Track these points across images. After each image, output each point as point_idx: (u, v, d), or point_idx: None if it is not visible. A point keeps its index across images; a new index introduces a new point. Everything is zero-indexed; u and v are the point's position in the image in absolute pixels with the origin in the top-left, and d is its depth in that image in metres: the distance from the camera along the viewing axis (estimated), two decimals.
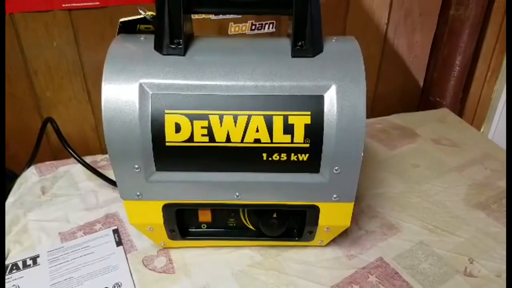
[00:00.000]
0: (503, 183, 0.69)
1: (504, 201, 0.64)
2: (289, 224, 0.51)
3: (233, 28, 0.75)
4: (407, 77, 0.99)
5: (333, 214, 0.48)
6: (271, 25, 0.77)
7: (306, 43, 0.43)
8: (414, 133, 0.84)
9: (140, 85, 0.42)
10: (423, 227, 0.59)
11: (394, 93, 0.99)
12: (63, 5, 0.65)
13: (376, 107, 0.95)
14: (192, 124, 0.42)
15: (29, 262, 0.52)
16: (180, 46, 0.43)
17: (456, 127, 0.87)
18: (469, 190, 0.67)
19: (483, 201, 0.65)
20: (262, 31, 0.77)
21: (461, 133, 0.84)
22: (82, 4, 0.66)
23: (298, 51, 0.44)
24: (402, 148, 0.79)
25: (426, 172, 0.71)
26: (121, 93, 0.42)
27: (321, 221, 0.49)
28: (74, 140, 0.75)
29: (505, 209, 0.63)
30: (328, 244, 0.55)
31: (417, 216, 0.61)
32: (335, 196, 0.46)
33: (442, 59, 0.95)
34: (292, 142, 0.43)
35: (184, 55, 0.44)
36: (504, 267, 0.52)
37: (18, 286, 0.49)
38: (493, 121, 1.06)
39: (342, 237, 0.55)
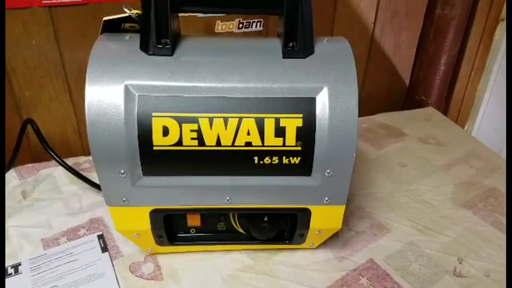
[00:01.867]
0: (488, 182, 0.69)
1: (490, 199, 0.65)
2: (280, 228, 0.51)
3: (220, 27, 0.73)
4: (393, 76, 0.99)
5: (325, 217, 0.48)
6: (258, 24, 0.76)
7: (297, 44, 0.42)
8: (400, 132, 0.84)
9: (126, 87, 0.40)
10: (412, 227, 0.59)
11: (380, 92, 1.00)
12: (43, 2, 0.63)
13: (362, 106, 0.94)
14: (180, 127, 0.41)
15: (10, 270, 0.50)
16: (168, 46, 0.42)
17: (441, 126, 0.87)
18: (456, 189, 0.67)
19: (470, 200, 0.65)
20: (249, 29, 0.75)
21: (447, 132, 0.84)
22: (63, 0, 0.64)
23: (289, 52, 0.43)
24: (389, 147, 0.79)
25: (414, 172, 0.72)
26: (106, 95, 0.40)
27: (313, 224, 0.48)
28: (55, 141, 0.72)
29: (490, 207, 0.63)
30: (318, 247, 0.54)
31: (406, 216, 0.61)
32: (326, 199, 0.46)
33: (428, 58, 0.96)
34: (283, 145, 0.42)
35: (171, 55, 0.42)
36: (492, 266, 0.53)
37: None
38: (476, 120, 1.08)
39: (332, 239, 0.55)
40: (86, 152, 0.75)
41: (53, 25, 0.66)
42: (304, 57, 0.43)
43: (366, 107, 0.94)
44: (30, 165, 0.68)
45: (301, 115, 0.41)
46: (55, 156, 0.61)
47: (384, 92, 1.00)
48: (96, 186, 0.61)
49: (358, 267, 0.52)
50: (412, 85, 1.02)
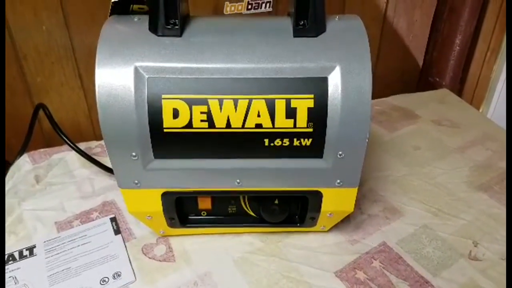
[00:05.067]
0: (504, 164, 0.68)
1: None
2: (291, 210, 0.50)
3: (228, 8, 0.72)
4: (406, 57, 0.97)
5: (336, 200, 0.47)
6: (268, 4, 0.74)
7: (308, 22, 0.41)
8: (414, 114, 0.82)
9: (136, 69, 0.40)
10: (426, 210, 0.58)
11: (393, 73, 0.98)
12: None
13: (375, 88, 0.93)
14: (190, 109, 0.40)
15: (26, 252, 0.51)
16: (176, 27, 0.41)
17: (456, 107, 0.85)
18: (471, 172, 0.66)
19: (485, 182, 0.64)
20: (258, 10, 0.74)
21: (461, 114, 0.83)
22: None
23: (300, 31, 0.42)
24: (403, 130, 0.77)
25: (428, 154, 0.70)
26: (116, 77, 0.40)
27: (324, 207, 0.48)
28: (67, 126, 0.72)
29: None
30: (330, 230, 0.54)
31: (420, 199, 0.60)
32: (338, 181, 0.45)
33: (442, 38, 0.93)
34: (294, 126, 0.41)
35: (180, 36, 0.42)
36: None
37: (15, 277, 0.48)
38: (492, 101, 1.05)
39: (344, 222, 0.55)
40: (98, 137, 0.75)
41: (63, 10, 0.65)
42: (316, 36, 0.42)
43: (379, 89, 0.92)
44: (42, 149, 0.68)
45: (312, 96, 0.41)
46: (67, 140, 0.61)
47: (397, 74, 0.98)
48: (108, 170, 0.62)
49: (371, 250, 0.52)
50: (425, 66, 0.99)
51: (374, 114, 0.81)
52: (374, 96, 0.41)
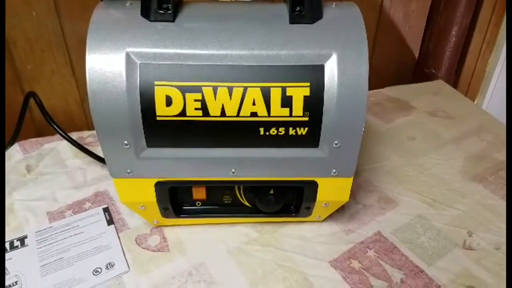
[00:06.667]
0: (499, 155, 0.68)
1: (501, 173, 0.64)
2: (286, 200, 0.50)
3: None
4: (402, 48, 0.96)
5: (332, 190, 0.47)
6: None
7: (304, 8, 0.40)
8: (409, 105, 0.82)
9: (127, 54, 0.39)
10: (421, 200, 0.58)
11: (388, 65, 0.97)
12: None
13: (370, 79, 0.92)
14: (184, 97, 0.40)
15: (17, 243, 0.50)
16: (169, 11, 0.40)
17: (451, 99, 0.85)
18: (466, 163, 0.66)
19: (480, 173, 0.64)
20: None
21: (457, 105, 0.82)
22: None
23: (296, 17, 0.41)
24: (398, 121, 0.77)
25: (423, 145, 0.70)
26: (107, 64, 0.39)
27: (319, 196, 0.47)
28: (58, 115, 0.71)
29: (501, 181, 0.62)
30: (325, 220, 0.54)
31: (415, 190, 0.60)
32: (334, 171, 0.45)
33: (438, 29, 0.93)
34: (290, 115, 0.40)
35: (173, 21, 0.41)
36: (503, 239, 0.52)
37: (7, 269, 0.47)
38: (487, 93, 1.05)
39: (339, 212, 0.54)
40: (90, 127, 0.74)
41: None
42: (312, 22, 0.41)
43: (374, 80, 0.91)
44: (34, 139, 0.67)
45: (308, 84, 0.40)
46: (59, 130, 0.60)
47: (393, 65, 0.98)
48: (101, 160, 0.61)
49: (365, 239, 0.52)
50: (421, 57, 0.99)
51: (369, 105, 0.81)
52: (369, 87, 0.41)
